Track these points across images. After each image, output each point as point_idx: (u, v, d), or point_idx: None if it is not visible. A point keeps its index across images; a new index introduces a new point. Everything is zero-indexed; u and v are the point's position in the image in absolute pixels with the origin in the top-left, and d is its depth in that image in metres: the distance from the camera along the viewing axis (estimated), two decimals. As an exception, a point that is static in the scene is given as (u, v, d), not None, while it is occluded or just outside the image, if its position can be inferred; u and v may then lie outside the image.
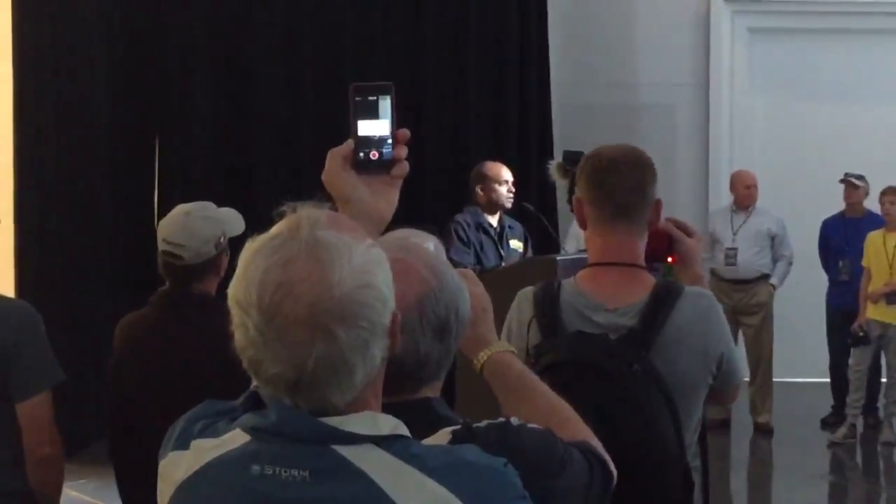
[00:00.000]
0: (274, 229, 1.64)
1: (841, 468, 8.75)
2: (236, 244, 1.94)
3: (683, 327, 2.91)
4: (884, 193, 8.89)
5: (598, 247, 3.04)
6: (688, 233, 3.19)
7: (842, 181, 9.35)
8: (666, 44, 10.30)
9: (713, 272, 9.12)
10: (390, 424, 1.64)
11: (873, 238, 8.89)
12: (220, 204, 3.95)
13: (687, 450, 2.90)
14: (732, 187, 9.48)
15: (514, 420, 1.92)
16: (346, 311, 1.57)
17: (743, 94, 10.60)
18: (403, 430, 1.64)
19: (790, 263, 9.34)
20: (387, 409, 1.69)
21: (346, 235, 1.62)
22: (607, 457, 2.06)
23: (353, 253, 1.60)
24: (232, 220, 3.82)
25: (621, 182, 2.99)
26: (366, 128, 1.97)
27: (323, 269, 1.57)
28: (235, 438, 1.65)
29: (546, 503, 1.79)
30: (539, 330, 2.96)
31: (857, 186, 9.28)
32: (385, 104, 1.97)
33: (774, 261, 9.31)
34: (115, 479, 3.84)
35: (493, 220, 7.12)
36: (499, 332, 2.29)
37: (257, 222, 1.67)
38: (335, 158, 1.97)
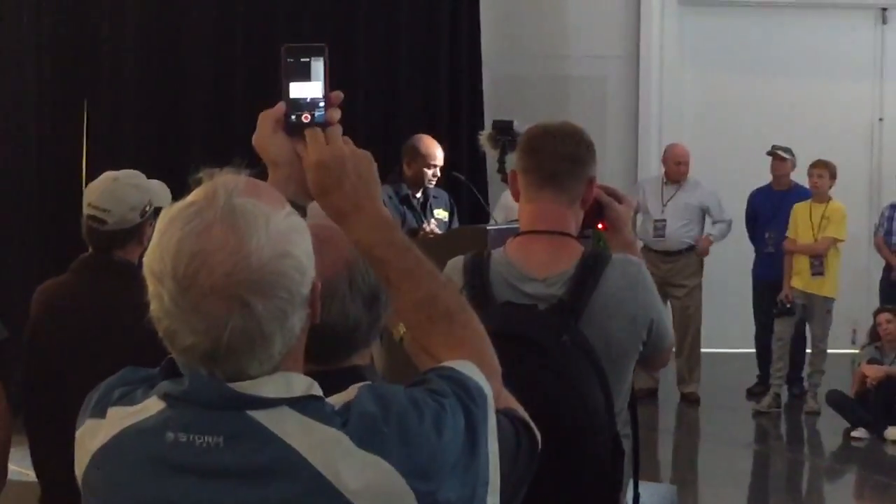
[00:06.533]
0: (190, 197, 1.60)
1: (766, 437, 8.87)
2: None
3: (612, 295, 2.92)
4: (813, 166, 9.00)
5: (528, 214, 3.04)
6: (617, 199, 3.18)
7: (769, 154, 9.44)
8: (596, 16, 10.30)
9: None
10: (303, 385, 1.61)
11: (800, 209, 8.99)
12: (150, 170, 3.91)
13: (617, 417, 2.91)
14: (664, 161, 9.52)
15: None
16: (264, 282, 1.55)
17: (673, 67, 10.64)
18: (317, 391, 1.62)
19: (729, 227, 9.43)
20: (316, 376, 1.66)
21: (263, 203, 1.59)
22: (532, 422, 2.06)
23: (271, 221, 1.57)
24: (159, 192, 3.79)
25: (554, 150, 3.00)
26: (297, 90, 1.91)
27: (239, 238, 1.54)
28: (152, 406, 1.63)
29: None
30: (468, 300, 2.95)
31: (784, 159, 9.37)
32: (318, 66, 1.91)
33: (703, 234, 9.38)
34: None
35: (417, 191, 7.10)
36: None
37: (188, 189, 1.63)
38: (266, 121, 1.91)
